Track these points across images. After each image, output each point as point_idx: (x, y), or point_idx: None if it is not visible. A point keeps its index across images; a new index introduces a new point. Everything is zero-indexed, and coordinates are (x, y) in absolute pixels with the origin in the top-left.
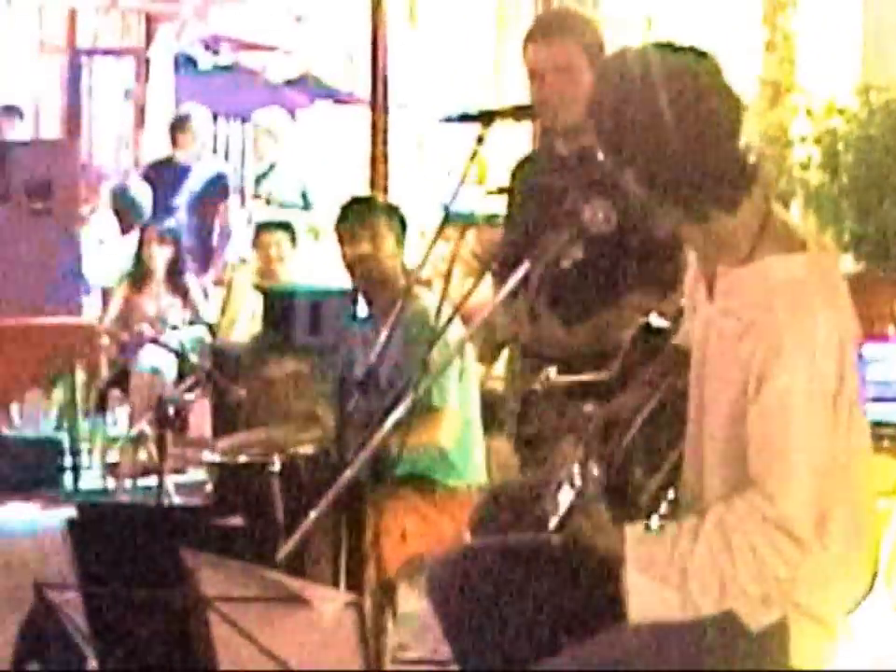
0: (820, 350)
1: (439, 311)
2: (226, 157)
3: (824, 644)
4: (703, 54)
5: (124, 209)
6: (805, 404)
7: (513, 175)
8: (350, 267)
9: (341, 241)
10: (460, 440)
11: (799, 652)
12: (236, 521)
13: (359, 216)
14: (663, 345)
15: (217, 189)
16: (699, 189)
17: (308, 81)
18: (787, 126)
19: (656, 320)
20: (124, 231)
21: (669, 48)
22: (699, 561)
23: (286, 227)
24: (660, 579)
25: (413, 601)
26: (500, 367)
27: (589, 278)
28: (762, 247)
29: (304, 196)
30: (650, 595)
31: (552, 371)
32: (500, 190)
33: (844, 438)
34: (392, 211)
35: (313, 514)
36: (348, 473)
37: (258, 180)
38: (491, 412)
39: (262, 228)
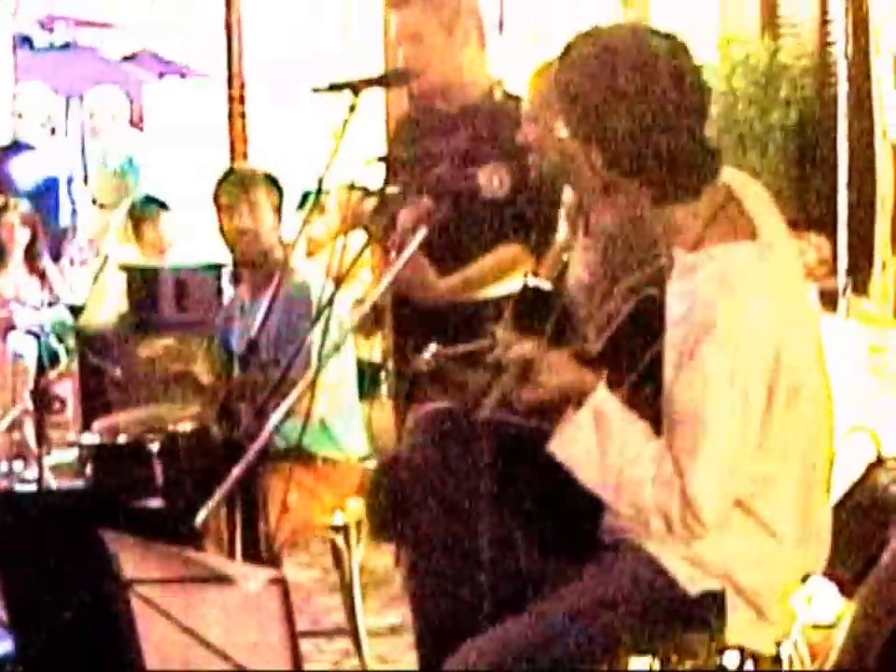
0: (751, 337)
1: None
2: (66, 135)
3: (761, 627)
4: (674, 38)
5: None
6: (725, 390)
7: (394, 142)
8: (230, 241)
9: (219, 214)
10: (340, 411)
11: (733, 628)
12: (156, 503)
13: (239, 188)
14: (547, 308)
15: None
16: (664, 171)
17: (146, 57)
18: None
19: (534, 281)
20: None
21: (643, 29)
22: (635, 456)
23: (159, 204)
24: (602, 436)
25: (295, 573)
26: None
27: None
28: (711, 233)
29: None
30: (581, 439)
31: (432, 347)
32: (380, 159)
33: (786, 427)
34: (271, 182)
35: (225, 485)
36: (256, 445)
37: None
38: (367, 382)
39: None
